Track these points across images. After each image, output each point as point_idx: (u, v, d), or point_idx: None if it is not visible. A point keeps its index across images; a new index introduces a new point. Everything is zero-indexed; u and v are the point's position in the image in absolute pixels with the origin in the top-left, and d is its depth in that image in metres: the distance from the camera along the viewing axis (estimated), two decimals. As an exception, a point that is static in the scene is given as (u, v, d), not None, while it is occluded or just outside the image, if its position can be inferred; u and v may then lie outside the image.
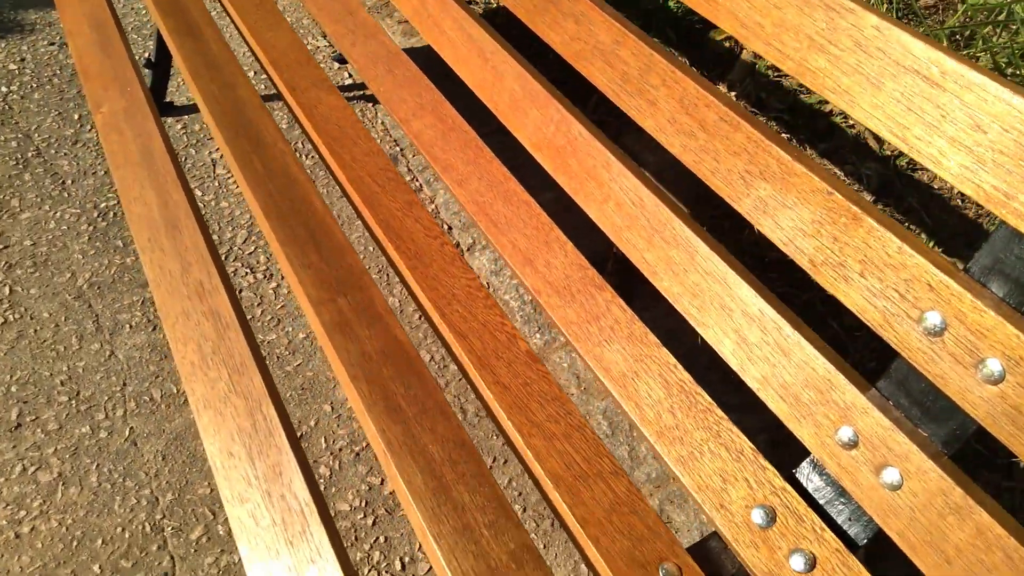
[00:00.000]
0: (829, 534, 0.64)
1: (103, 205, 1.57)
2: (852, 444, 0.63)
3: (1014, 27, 1.48)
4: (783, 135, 1.59)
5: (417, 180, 1.65)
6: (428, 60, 1.35)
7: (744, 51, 1.73)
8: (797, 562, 0.64)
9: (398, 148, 1.73)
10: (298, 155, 1.73)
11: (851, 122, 1.56)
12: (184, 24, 1.11)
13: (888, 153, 1.48)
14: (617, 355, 0.77)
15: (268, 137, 0.95)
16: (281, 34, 1.13)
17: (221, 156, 1.71)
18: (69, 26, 1.10)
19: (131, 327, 1.35)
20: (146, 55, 1.81)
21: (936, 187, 1.44)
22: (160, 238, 0.82)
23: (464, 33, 0.98)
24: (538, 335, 1.31)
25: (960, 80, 0.54)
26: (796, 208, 0.65)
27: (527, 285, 0.84)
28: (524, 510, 1.17)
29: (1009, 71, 1.41)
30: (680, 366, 0.74)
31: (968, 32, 1.51)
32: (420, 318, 0.81)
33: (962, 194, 1.41)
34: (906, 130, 0.57)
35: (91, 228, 1.52)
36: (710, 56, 1.82)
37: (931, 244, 1.34)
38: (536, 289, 0.83)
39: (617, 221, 0.80)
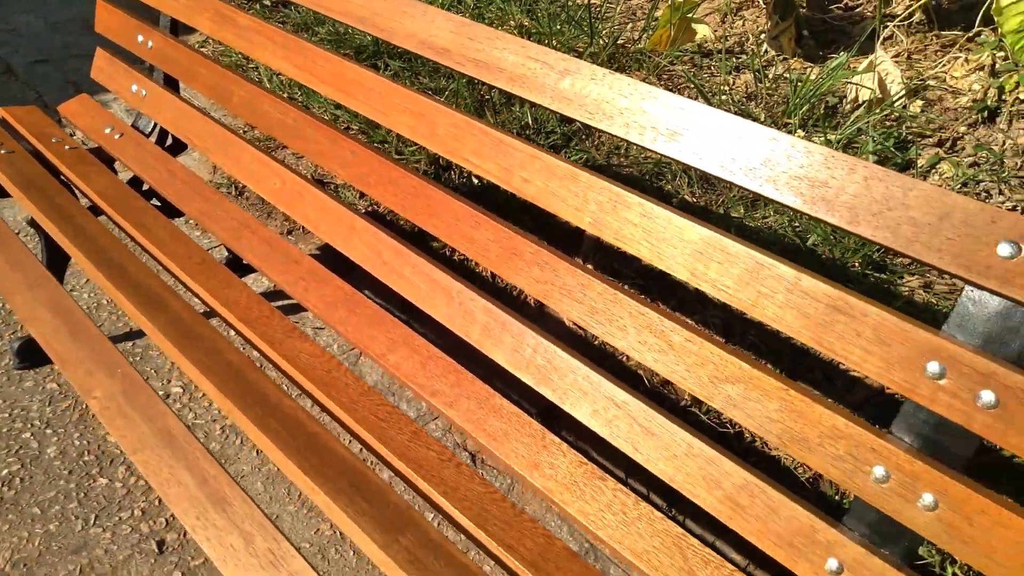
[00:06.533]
0: (840, 646, 0.83)
1: (4, 472, 1.48)
2: (839, 571, 0.83)
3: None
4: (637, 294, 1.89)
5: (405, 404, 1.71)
6: (373, 283, 1.46)
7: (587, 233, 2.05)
8: (825, 676, 0.82)
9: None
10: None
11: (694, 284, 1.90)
12: (144, 296, 1.17)
13: (724, 302, 1.82)
14: (636, 536, 0.93)
15: (272, 397, 1.03)
16: (239, 291, 1.23)
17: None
18: (24, 315, 1.12)
19: (74, 599, 1.28)
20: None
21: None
22: (210, 515, 0.87)
23: (427, 277, 1.15)
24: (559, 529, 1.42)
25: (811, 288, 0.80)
26: (761, 402, 0.87)
27: (538, 487, 0.99)
28: None
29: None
30: (688, 534, 0.92)
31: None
32: (463, 538, 0.91)
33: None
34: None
35: (-6, 498, 1.43)
36: (560, 234, 2.12)
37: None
38: (548, 490, 0.98)
39: (603, 421, 0.98)
